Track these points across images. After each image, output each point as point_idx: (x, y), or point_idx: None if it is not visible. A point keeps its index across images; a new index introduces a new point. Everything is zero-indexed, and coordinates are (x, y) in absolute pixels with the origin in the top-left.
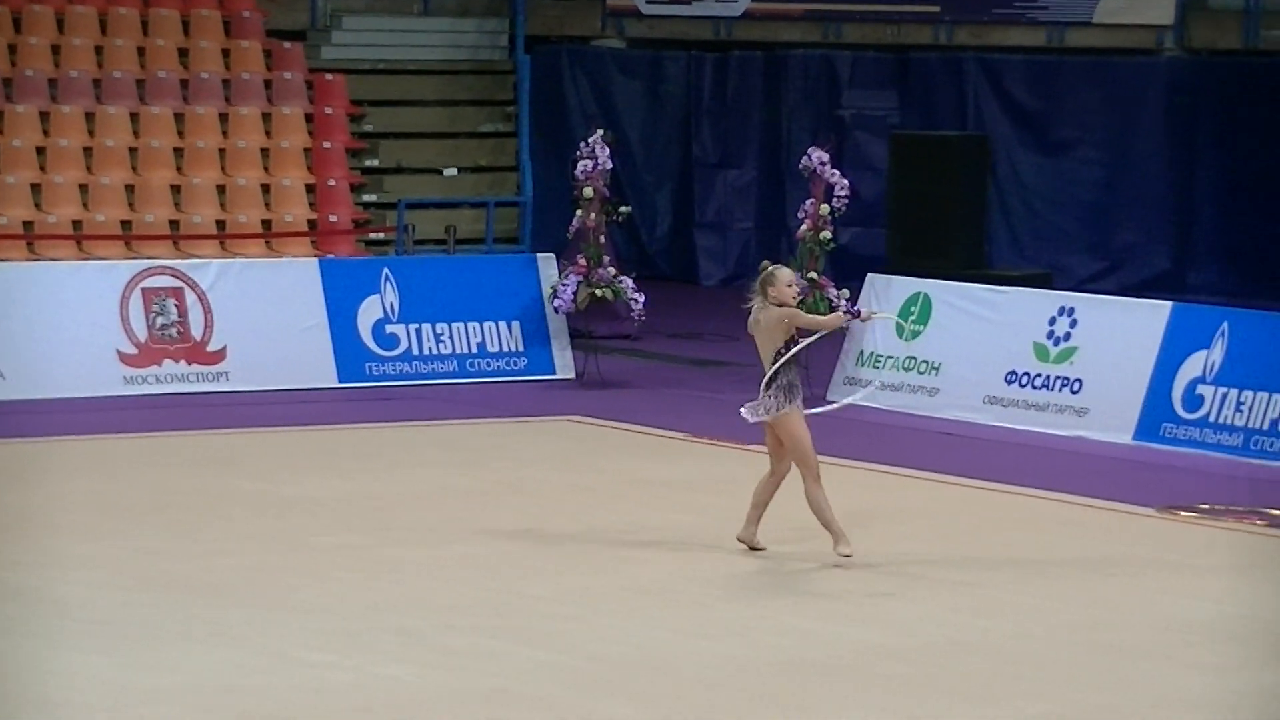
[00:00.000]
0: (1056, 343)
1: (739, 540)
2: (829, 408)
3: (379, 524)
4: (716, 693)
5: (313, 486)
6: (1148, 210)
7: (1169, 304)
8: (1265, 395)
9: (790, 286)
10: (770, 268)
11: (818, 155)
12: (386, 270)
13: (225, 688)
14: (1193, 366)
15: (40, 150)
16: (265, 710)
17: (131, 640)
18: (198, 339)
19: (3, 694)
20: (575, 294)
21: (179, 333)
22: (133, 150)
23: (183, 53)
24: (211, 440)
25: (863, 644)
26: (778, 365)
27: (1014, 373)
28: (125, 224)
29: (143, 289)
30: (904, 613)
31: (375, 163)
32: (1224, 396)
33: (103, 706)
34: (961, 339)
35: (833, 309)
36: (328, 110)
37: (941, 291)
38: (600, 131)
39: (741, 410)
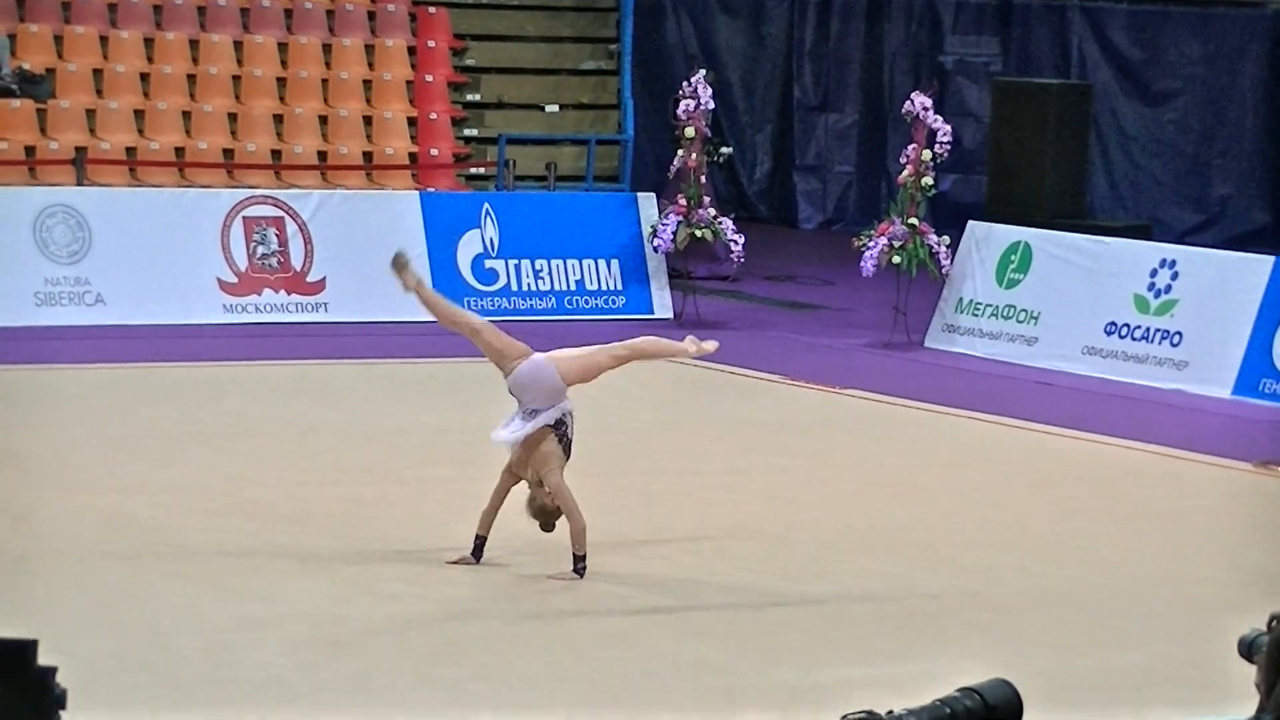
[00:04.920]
0: (1157, 295)
1: None
2: None
3: (467, 458)
4: (803, 635)
5: (405, 419)
6: (1247, 164)
7: (1271, 259)
8: None
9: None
10: None
11: (921, 101)
12: (487, 205)
13: (315, 617)
14: None
15: (144, 77)
16: (356, 640)
17: (220, 568)
18: (298, 269)
19: (115, 621)
20: (675, 234)
21: (279, 262)
22: (235, 79)
23: None
24: (308, 370)
25: (952, 590)
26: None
27: (1113, 324)
28: (227, 152)
29: (244, 218)
30: (994, 560)
31: (476, 97)
32: None
33: (198, 632)
34: (1061, 289)
35: (932, 255)
36: (430, 43)
37: (1042, 240)
38: (703, 71)
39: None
